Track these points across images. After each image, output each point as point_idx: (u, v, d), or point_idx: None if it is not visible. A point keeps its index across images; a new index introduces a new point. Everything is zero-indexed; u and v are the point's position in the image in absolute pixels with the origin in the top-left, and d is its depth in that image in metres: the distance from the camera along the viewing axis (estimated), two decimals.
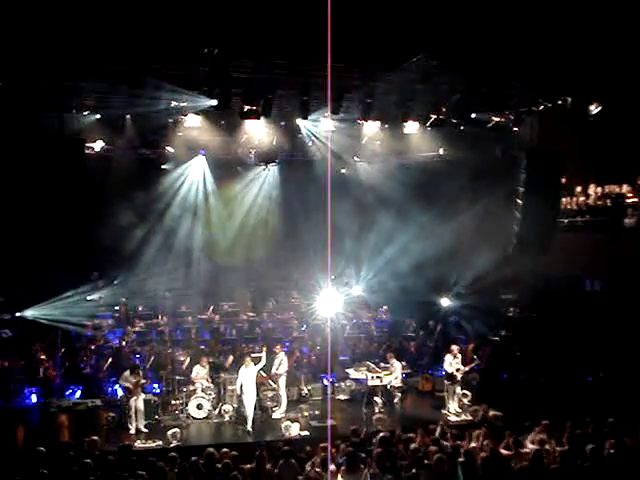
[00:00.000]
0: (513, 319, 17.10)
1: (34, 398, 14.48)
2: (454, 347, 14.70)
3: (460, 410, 14.15)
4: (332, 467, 8.91)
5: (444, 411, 14.22)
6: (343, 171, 19.93)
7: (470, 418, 13.58)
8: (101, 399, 14.63)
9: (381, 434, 10.37)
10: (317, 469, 8.76)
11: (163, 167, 18.65)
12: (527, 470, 8.56)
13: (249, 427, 13.41)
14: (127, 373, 13.39)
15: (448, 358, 14.46)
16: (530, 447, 9.61)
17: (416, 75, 13.81)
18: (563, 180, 15.73)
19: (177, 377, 14.50)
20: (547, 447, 9.42)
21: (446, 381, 14.51)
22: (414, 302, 19.75)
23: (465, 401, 14.52)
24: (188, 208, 19.75)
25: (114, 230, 17.72)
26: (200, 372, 14.20)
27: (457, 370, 14.32)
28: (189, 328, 17.82)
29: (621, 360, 14.27)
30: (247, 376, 13.61)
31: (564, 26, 11.63)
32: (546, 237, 14.56)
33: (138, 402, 13.24)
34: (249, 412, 13.49)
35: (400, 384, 15.01)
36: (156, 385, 14.93)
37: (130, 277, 19.05)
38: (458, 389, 14.37)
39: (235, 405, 14.14)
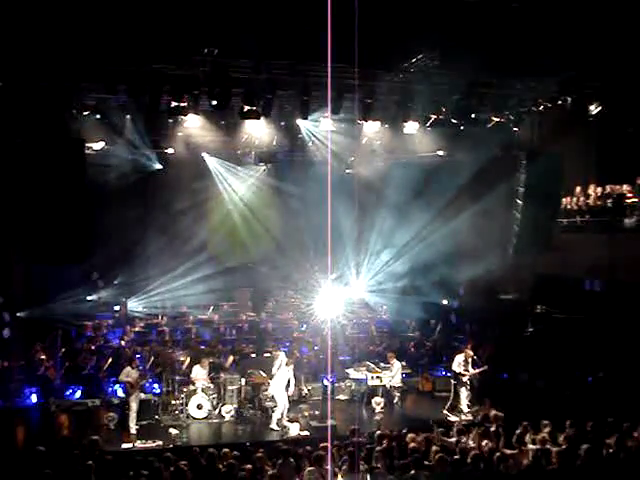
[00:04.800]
0: (540, 315, 17.03)
1: (34, 398, 14.49)
2: (468, 350, 14.59)
3: (467, 410, 14.13)
4: (332, 468, 8.93)
5: (445, 411, 14.21)
6: (345, 171, 19.94)
7: (470, 418, 13.60)
8: (101, 399, 14.66)
9: (381, 434, 10.38)
10: (317, 469, 8.74)
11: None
12: (528, 470, 8.56)
13: (274, 425, 13.28)
14: (128, 368, 13.34)
15: (459, 359, 14.43)
16: (531, 447, 9.61)
17: (416, 75, 13.82)
18: (563, 180, 15.72)
19: (177, 377, 14.49)
20: (548, 447, 9.42)
21: (453, 381, 14.49)
22: (414, 302, 19.77)
23: (465, 401, 14.49)
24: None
25: (114, 230, 17.74)
26: (200, 373, 14.18)
27: (465, 371, 14.30)
28: (189, 328, 17.85)
29: (621, 360, 14.27)
30: (280, 373, 13.59)
31: (564, 26, 11.61)
32: (546, 237, 14.56)
33: (137, 400, 13.23)
34: (278, 408, 13.40)
35: (400, 384, 15.01)
36: (156, 385, 14.93)
37: (131, 277, 19.11)
38: (463, 389, 14.34)
39: (235, 405, 14.14)
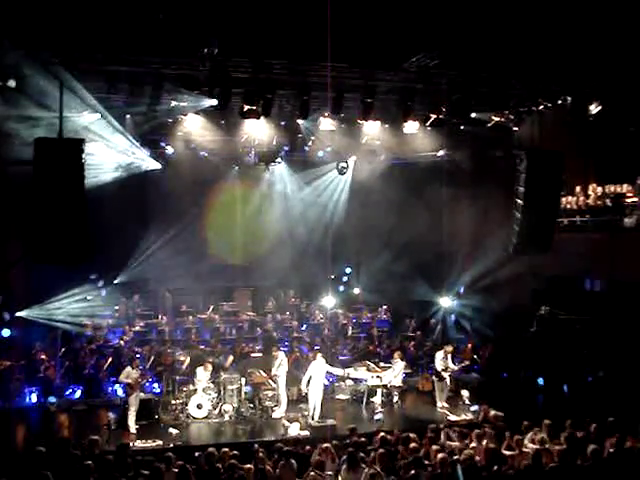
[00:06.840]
0: (543, 316, 17.05)
1: (34, 398, 14.50)
2: (447, 346, 14.90)
3: (448, 406, 14.32)
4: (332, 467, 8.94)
5: (441, 410, 14.26)
6: (343, 171, 19.92)
7: (470, 418, 13.62)
8: (101, 399, 14.68)
9: (381, 434, 10.39)
10: (317, 469, 8.74)
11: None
12: (527, 470, 8.56)
13: (310, 420, 13.34)
14: (129, 368, 13.35)
15: (439, 355, 14.65)
16: (530, 447, 9.62)
17: (416, 75, 13.81)
18: (563, 180, 15.70)
19: (177, 377, 14.49)
20: (547, 446, 9.43)
21: (434, 377, 14.76)
22: (414, 302, 19.77)
23: (465, 401, 14.53)
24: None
25: (114, 230, 17.73)
26: (202, 375, 14.14)
27: (445, 369, 14.47)
28: (189, 328, 17.86)
29: (621, 360, 14.27)
30: (317, 370, 13.66)
31: (564, 26, 11.62)
32: (546, 237, 14.54)
33: (137, 400, 13.23)
34: (311, 406, 13.51)
35: (400, 384, 15.02)
36: (156, 385, 14.94)
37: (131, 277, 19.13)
38: (442, 385, 14.52)
39: (235, 405, 14.14)
